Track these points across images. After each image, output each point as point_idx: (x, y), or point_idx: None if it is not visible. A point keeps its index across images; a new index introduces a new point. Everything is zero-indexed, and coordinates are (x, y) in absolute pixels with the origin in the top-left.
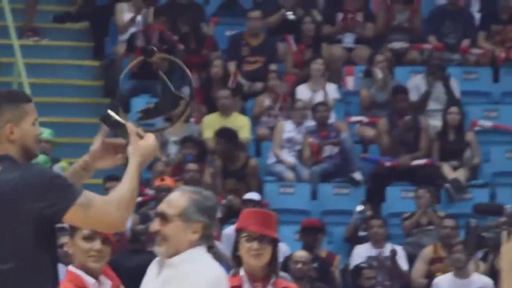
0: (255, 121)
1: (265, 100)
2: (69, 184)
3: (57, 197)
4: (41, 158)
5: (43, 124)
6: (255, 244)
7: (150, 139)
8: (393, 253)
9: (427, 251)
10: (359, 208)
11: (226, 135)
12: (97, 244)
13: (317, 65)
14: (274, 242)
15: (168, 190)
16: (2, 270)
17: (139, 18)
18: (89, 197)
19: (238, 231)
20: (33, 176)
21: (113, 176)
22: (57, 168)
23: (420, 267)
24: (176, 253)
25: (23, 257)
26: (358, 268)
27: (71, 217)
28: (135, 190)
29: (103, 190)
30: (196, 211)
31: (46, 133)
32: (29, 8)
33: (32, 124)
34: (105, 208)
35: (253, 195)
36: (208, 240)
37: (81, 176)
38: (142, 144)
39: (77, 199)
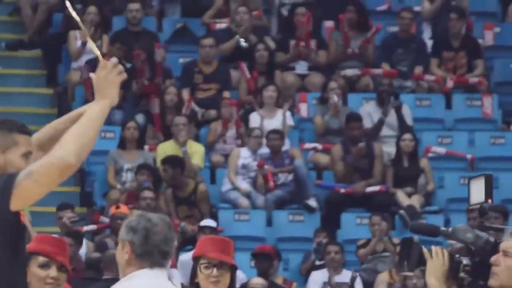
0: (210, 148)
1: (219, 127)
2: (9, 175)
3: (3, 193)
4: None
5: None
6: (214, 271)
7: (101, 67)
8: (353, 278)
9: (384, 276)
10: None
11: (172, 162)
12: (53, 272)
13: (270, 92)
14: (233, 269)
15: (124, 218)
16: None
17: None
18: (28, 168)
19: (197, 258)
20: None
21: (67, 204)
22: None
23: None
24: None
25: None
26: None
27: (23, 197)
28: (86, 123)
29: (56, 220)
30: (125, 231)
31: None
32: None
33: (22, 156)
34: (46, 162)
35: (209, 222)
36: (148, 261)
37: None
38: (96, 77)
39: (16, 180)
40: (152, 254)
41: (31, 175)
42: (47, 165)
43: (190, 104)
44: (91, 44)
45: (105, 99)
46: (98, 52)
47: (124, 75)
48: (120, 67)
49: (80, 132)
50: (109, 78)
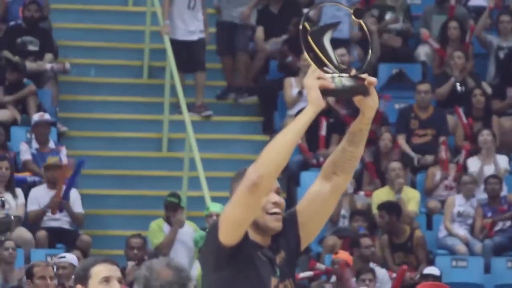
0: (427, 194)
1: (436, 173)
2: None
3: (214, 228)
4: (198, 234)
5: (215, 199)
6: None
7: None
8: None
9: None
10: None
11: (388, 208)
12: None
13: (484, 137)
14: None
15: (343, 263)
16: None
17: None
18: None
19: None
20: None
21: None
22: None
23: None
24: None
25: None
26: None
27: (225, 222)
28: (277, 136)
29: None
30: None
31: (217, 207)
32: (198, 84)
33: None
34: (239, 187)
35: (432, 270)
36: None
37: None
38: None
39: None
40: None
41: (227, 206)
42: (241, 184)
43: (399, 149)
44: (307, 59)
45: (308, 103)
46: (310, 61)
47: (324, 81)
48: (319, 72)
49: (269, 146)
50: (307, 82)
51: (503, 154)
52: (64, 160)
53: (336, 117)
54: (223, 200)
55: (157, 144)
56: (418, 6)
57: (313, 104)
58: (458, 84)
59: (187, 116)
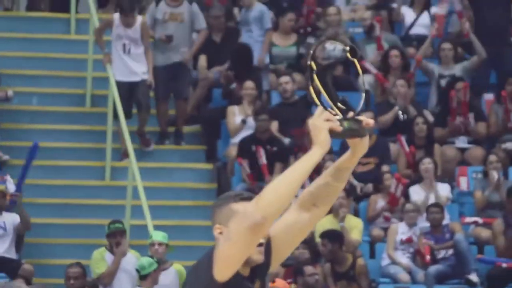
0: (369, 222)
1: (379, 201)
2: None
3: (208, 263)
4: (146, 260)
5: (158, 228)
6: None
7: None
8: None
9: None
10: None
11: (331, 236)
12: None
13: (426, 165)
14: None
15: None
16: None
17: (251, 121)
18: (227, 231)
19: None
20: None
21: None
22: (172, 271)
23: None
24: None
25: None
26: None
27: (221, 260)
28: (284, 175)
29: None
30: None
31: (160, 236)
32: (141, 121)
33: None
34: (238, 218)
35: None
36: None
37: (336, 186)
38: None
39: (215, 252)
40: None
41: (228, 234)
42: (238, 221)
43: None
44: (312, 93)
45: (315, 145)
46: (315, 98)
47: (333, 124)
48: (327, 114)
49: (274, 185)
50: (316, 124)
51: (446, 183)
52: (10, 188)
53: (279, 146)
54: (166, 229)
55: (100, 173)
56: (359, 34)
57: (321, 146)
58: (400, 112)
59: (130, 145)
